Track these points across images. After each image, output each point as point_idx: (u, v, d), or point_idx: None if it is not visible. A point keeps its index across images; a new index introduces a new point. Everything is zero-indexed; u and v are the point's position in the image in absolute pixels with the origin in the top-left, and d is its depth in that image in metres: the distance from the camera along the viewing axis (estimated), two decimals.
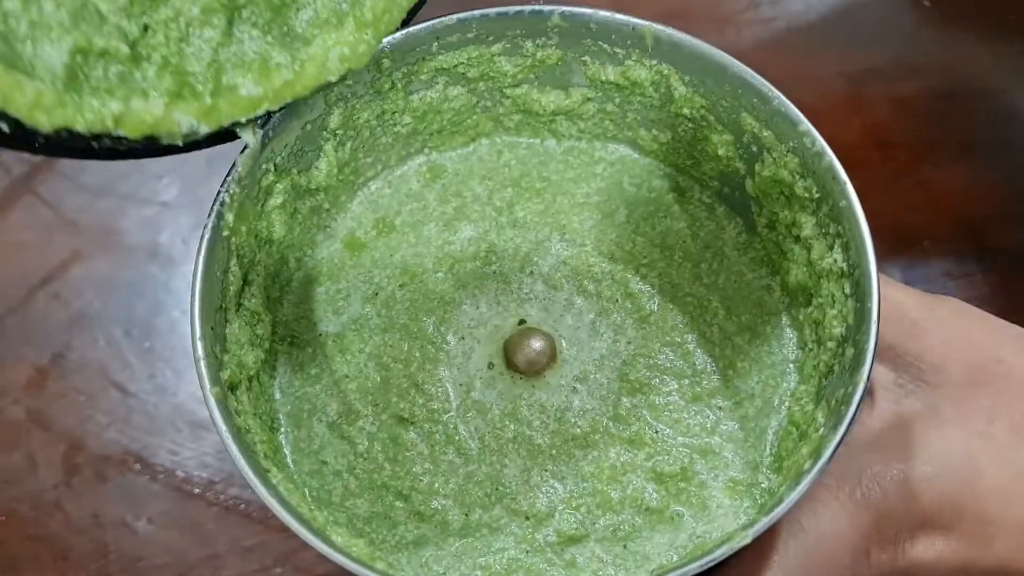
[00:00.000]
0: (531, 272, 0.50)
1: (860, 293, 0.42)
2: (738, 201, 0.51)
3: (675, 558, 0.44)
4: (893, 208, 0.65)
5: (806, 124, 0.44)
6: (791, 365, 0.48)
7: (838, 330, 0.43)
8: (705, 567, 0.36)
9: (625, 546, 0.44)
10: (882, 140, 0.67)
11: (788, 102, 0.44)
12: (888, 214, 0.64)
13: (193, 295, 0.41)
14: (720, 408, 0.47)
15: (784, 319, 0.49)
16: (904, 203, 0.65)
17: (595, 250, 0.50)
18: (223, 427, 0.39)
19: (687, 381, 0.47)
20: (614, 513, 0.45)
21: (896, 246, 0.64)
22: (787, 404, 0.47)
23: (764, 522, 0.36)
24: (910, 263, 0.63)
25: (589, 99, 0.51)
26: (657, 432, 0.46)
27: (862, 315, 0.41)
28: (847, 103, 0.68)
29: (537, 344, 0.47)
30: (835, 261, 0.44)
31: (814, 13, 0.72)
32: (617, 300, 0.49)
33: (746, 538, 0.36)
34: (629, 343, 0.48)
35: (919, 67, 0.69)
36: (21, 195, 0.65)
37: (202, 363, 0.40)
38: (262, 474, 0.39)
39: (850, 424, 0.38)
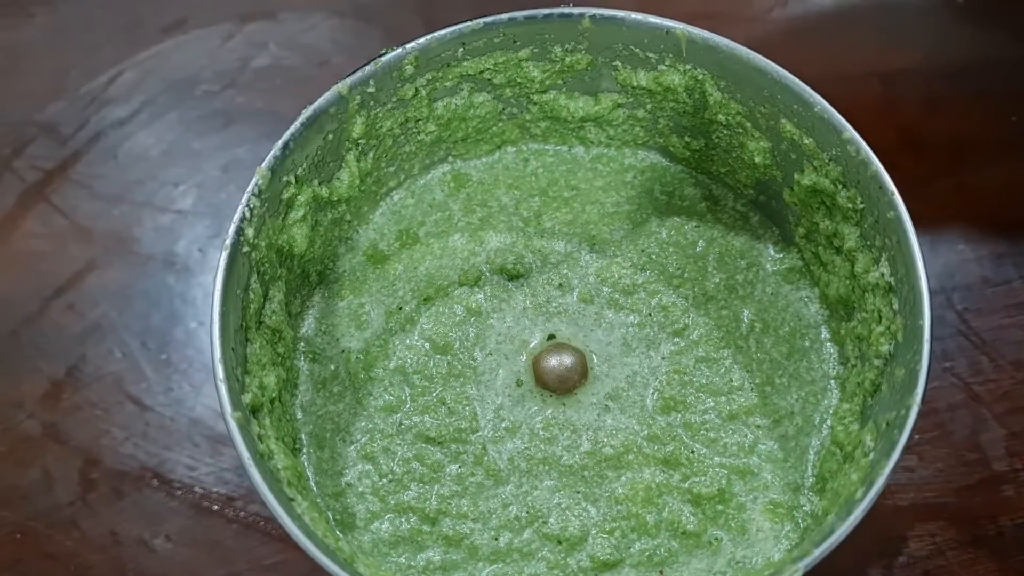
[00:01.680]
0: (560, 285, 0.48)
1: (909, 310, 0.40)
2: (774, 210, 0.49)
3: None
4: (928, 211, 0.63)
5: (850, 131, 0.42)
6: (832, 381, 0.46)
7: (885, 347, 0.41)
8: None
9: (661, 572, 0.43)
10: (916, 141, 0.65)
11: (831, 108, 0.42)
12: (923, 217, 0.62)
13: (212, 315, 0.39)
14: (758, 426, 0.45)
15: (824, 332, 0.47)
16: (939, 206, 0.63)
17: (626, 261, 0.49)
18: (246, 455, 0.37)
19: (723, 398, 0.46)
20: (649, 537, 0.43)
21: (931, 251, 0.62)
22: (829, 422, 0.45)
23: (816, 554, 0.35)
24: (946, 269, 0.61)
25: (619, 105, 0.49)
26: (693, 452, 0.45)
27: (913, 333, 0.39)
28: (880, 104, 0.66)
29: (568, 360, 0.46)
30: (882, 275, 0.42)
31: (844, 12, 0.69)
32: (650, 314, 0.47)
33: (797, 572, 0.35)
34: (663, 359, 0.47)
35: (953, 67, 0.67)
36: (35, 203, 0.64)
37: (223, 386, 0.38)
38: (286, 503, 0.37)
39: (903, 450, 0.36)
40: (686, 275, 0.48)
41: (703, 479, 0.44)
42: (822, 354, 0.47)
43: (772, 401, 0.46)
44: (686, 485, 0.44)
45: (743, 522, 0.43)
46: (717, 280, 0.48)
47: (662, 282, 0.48)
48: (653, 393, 0.46)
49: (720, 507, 0.43)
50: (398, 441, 0.45)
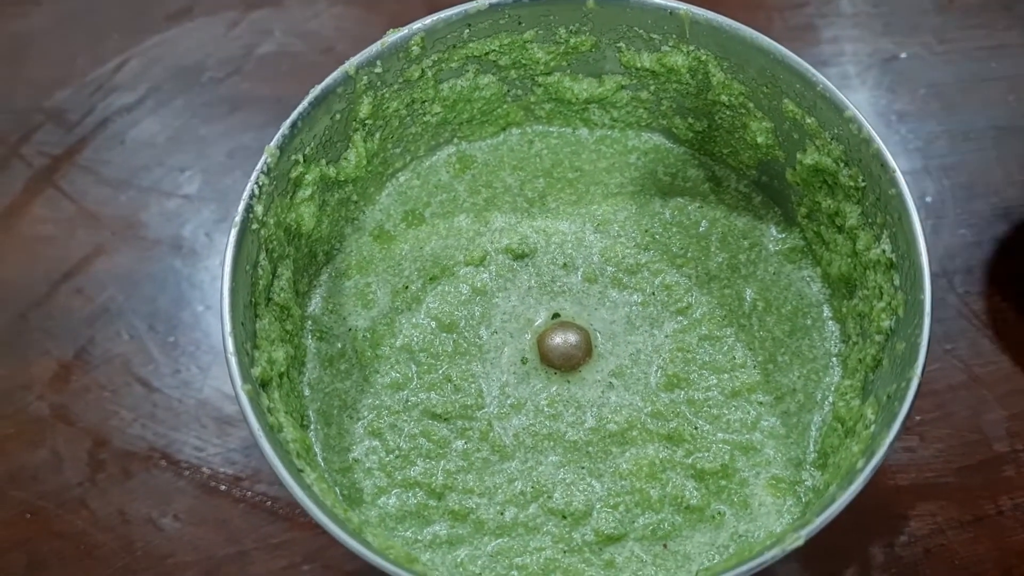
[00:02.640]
0: (564, 264, 0.49)
1: (910, 285, 0.40)
2: (776, 190, 0.50)
3: (716, 558, 0.43)
4: (928, 196, 0.64)
5: (852, 110, 0.42)
6: (834, 359, 0.47)
7: (887, 323, 0.42)
8: (756, 570, 0.35)
9: (665, 545, 0.43)
10: (917, 125, 0.66)
11: (833, 87, 0.43)
12: (923, 202, 0.63)
13: (223, 290, 0.40)
14: (761, 403, 0.46)
15: (826, 311, 0.48)
16: (940, 190, 0.64)
17: (629, 241, 0.49)
18: (256, 426, 0.38)
19: (726, 376, 0.46)
20: (653, 512, 0.44)
21: (933, 235, 0.62)
22: (831, 399, 0.45)
23: (817, 523, 0.35)
24: (948, 252, 0.61)
25: (623, 87, 0.50)
26: (696, 428, 0.45)
27: (913, 308, 0.40)
28: (882, 91, 0.67)
29: (572, 338, 0.46)
30: (883, 252, 0.43)
31: None
32: (653, 293, 0.48)
33: (799, 540, 0.35)
34: (666, 337, 0.47)
35: (952, 52, 0.68)
36: (43, 189, 0.64)
37: (233, 359, 0.39)
38: (296, 474, 0.38)
39: (904, 421, 0.37)
40: (689, 255, 0.49)
41: (706, 455, 0.44)
42: (824, 332, 0.47)
43: (774, 378, 0.46)
44: (689, 461, 0.44)
45: (745, 497, 0.44)
46: (720, 260, 0.49)
47: (665, 261, 0.48)
48: (656, 370, 0.46)
49: (723, 482, 0.44)
50: (405, 418, 0.45)
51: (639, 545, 0.43)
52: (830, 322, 0.47)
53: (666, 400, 0.46)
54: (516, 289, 0.48)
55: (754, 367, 0.46)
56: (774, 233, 0.50)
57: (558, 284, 0.48)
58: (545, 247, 0.49)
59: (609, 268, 0.48)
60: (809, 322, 0.48)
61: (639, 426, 0.45)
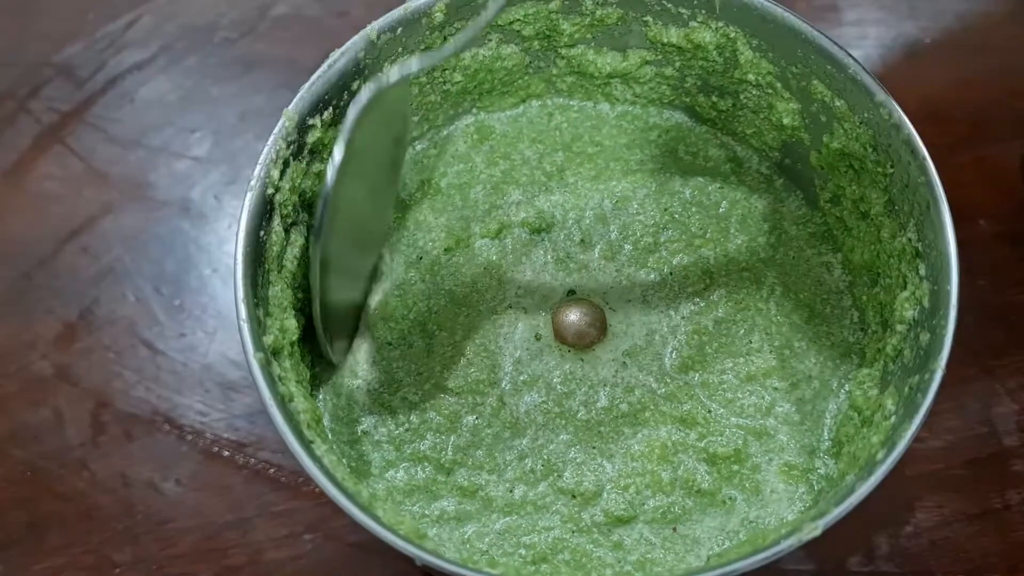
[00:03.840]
0: (581, 240, 0.48)
1: (937, 276, 0.40)
2: (799, 173, 0.49)
3: (726, 544, 0.42)
4: (947, 185, 0.63)
5: (883, 94, 0.41)
6: (853, 347, 0.46)
7: (910, 313, 0.41)
8: (772, 559, 0.34)
9: (675, 529, 0.43)
10: (939, 114, 0.64)
11: (865, 71, 0.42)
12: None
13: (236, 256, 0.39)
14: (775, 389, 0.45)
15: (846, 299, 0.47)
16: (960, 180, 0.63)
17: (648, 220, 0.48)
18: (267, 395, 0.37)
19: (742, 360, 0.46)
20: (664, 494, 0.43)
21: None
22: (847, 387, 0.45)
23: (836, 513, 0.35)
24: (965, 244, 0.60)
25: (648, 62, 0.49)
26: (710, 412, 0.45)
27: (939, 298, 0.39)
28: (904, 74, 0.66)
29: (587, 316, 0.46)
30: (908, 241, 0.42)
31: None
32: (671, 273, 0.47)
33: (816, 530, 0.35)
34: (682, 318, 0.46)
35: (979, 40, 0.67)
36: (50, 145, 0.63)
37: (245, 326, 0.38)
38: (306, 445, 0.37)
39: (927, 413, 0.36)
40: (708, 235, 0.48)
41: (719, 439, 0.44)
42: (843, 320, 0.47)
43: (790, 364, 0.45)
44: (702, 444, 0.44)
45: (757, 483, 0.43)
46: (739, 242, 0.48)
47: (683, 241, 0.48)
48: (671, 352, 0.46)
49: (735, 467, 0.43)
50: (416, 391, 0.45)
51: (648, 528, 0.43)
52: (850, 309, 0.47)
53: (680, 382, 0.45)
54: (531, 264, 0.48)
55: (770, 352, 0.46)
56: (795, 217, 0.49)
57: (574, 261, 0.48)
58: (562, 222, 0.48)
59: (627, 246, 0.48)
60: (828, 309, 0.47)
61: (652, 407, 0.44)
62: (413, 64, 0.38)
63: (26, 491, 0.55)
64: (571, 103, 0.51)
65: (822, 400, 0.45)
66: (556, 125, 0.51)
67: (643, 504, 0.43)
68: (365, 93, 0.37)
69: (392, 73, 0.37)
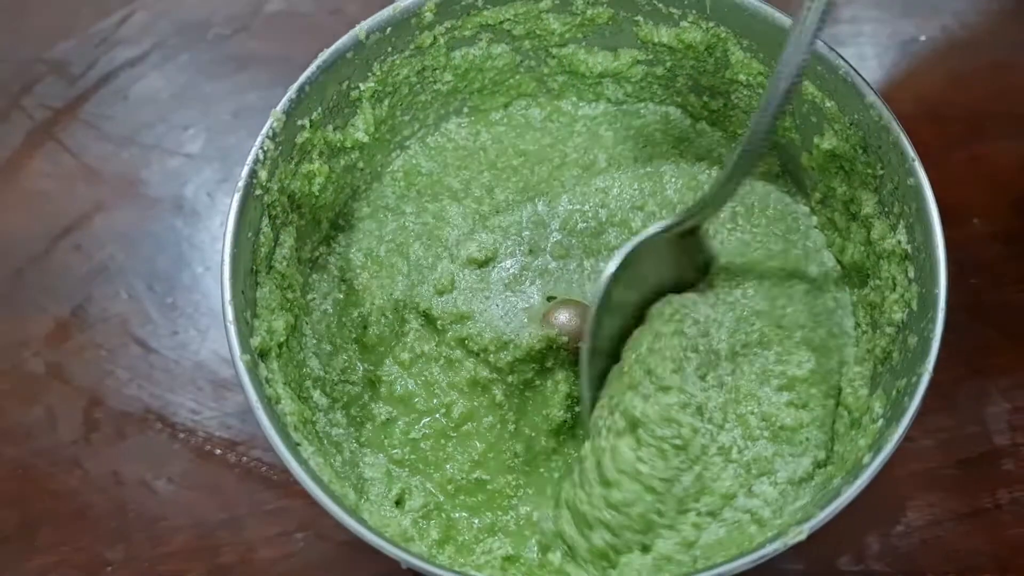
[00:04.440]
0: (530, 251, 0.48)
1: (925, 278, 0.40)
2: (790, 174, 0.49)
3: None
4: (942, 183, 0.63)
5: (873, 96, 0.41)
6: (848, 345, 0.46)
7: (899, 315, 0.41)
8: (758, 563, 0.34)
9: None
10: (934, 112, 0.64)
11: (856, 72, 0.42)
12: (936, 190, 0.62)
13: (224, 256, 0.39)
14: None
15: (834, 300, 0.47)
16: (954, 178, 0.63)
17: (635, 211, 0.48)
18: (253, 397, 0.37)
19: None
20: None
21: (944, 224, 0.61)
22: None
23: (821, 517, 0.35)
24: (959, 242, 0.60)
25: (639, 62, 0.49)
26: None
27: (927, 302, 0.39)
28: (900, 72, 0.65)
29: (575, 317, 0.45)
30: (898, 242, 0.42)
31: None
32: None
33: (801, 534, 0.35)
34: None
35: (975, 38, 0.66)
36: (43, 142, 0.63)
37: (232, 328, 0.38)
38: (292, 447, 0.37)
39: (913, 417, 0.36)
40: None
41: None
42: (832, 320, 0.46)
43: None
44: None
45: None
46: (728, 244, 0.48)
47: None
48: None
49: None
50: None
51: None
52: (839, 311, 0.47)
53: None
54: (514, 258, 0.47)
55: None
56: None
57: (530, 270, 0.47)
58: (504, 242, 0.48)
59: (572, 240, 0.48)
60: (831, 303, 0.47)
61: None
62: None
63: (18, 489, 0.55)
64: (560, 103, 0.51)
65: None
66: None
67: None
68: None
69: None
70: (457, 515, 0.43)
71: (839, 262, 0.47)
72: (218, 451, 0.55)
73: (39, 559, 0.53)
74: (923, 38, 0.66)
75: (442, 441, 0.44)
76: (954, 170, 0.63)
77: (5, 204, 0.62)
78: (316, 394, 0.44)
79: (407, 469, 0.44)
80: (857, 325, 0.45)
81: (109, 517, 0.54)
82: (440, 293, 0.46)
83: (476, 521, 0.42)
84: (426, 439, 0.44)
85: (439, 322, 0.45)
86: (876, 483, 0.54)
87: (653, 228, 0.41)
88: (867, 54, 0.66)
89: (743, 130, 0.49)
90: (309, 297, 0.47)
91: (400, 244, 0.48)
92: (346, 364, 0.45)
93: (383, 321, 0.45)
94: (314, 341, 0.46)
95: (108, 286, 0.59)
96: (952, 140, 0.64)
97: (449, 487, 0.43)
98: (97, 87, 0.65)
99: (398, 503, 0.42)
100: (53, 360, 0.58)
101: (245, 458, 0.55)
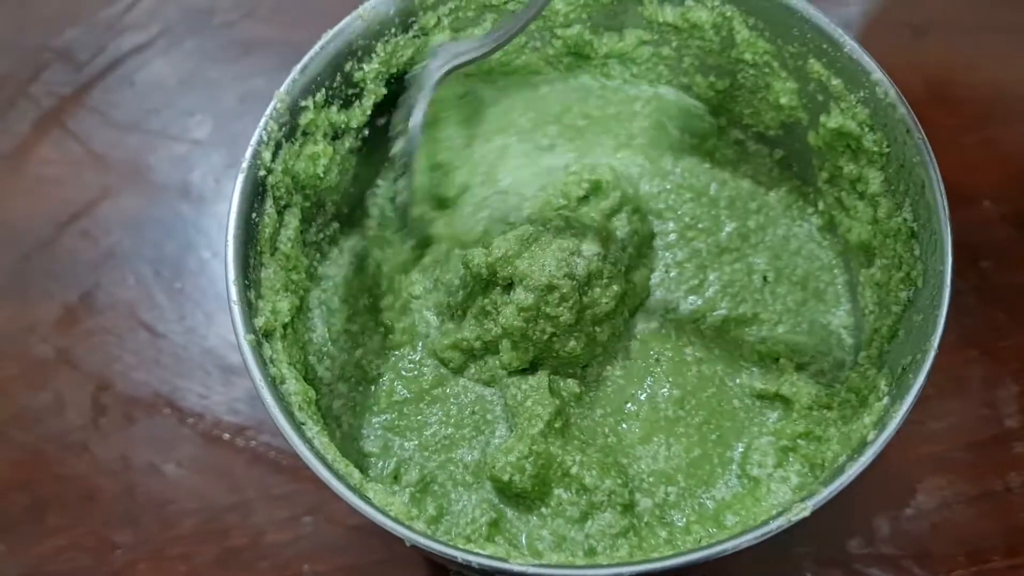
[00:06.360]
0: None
1: (930, 256, 0.39)
2: (797, 153, 0.48)
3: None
4: (953, 166, 0.62)
5: (879, 73, 0.41)
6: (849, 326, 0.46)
7: (905, 294, 0.41)
8: (762, 539, 0.34)
9: None
10: (946, 95, 0.64)
11: (861, 49, 0.41)
12: (947, 172, 0.61)
13: (228, 238, 0.39)
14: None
15: (841, 279, 0.47)
16: (965, 161, 0.62)
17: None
18: (258, 377, 0.37)
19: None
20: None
21: (955, 206, 0.61)
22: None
23: (825, 494, 0.35)
24: (969, 225, 0.60)
25: (644, 42, 0.49)
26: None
27: (933, 279, 0.38)
28: (911, 54, 0.65)
29: None
30: (904, 220, 0.41)
31: None
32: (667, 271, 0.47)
33: (805, 511, 0.34)
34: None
35: (987, 20, 0.66)
36: (50, 129, 0.63)
37: (236, 308, 0.38)
38: (297, 427, 0.37)
39: (918, 393, 0.36)
40: (698, 216, 0.48)
41: None
42: (839, 300, 0.46)
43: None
44: None
45: None
46: (730, 226, 0.48)
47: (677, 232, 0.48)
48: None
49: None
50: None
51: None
52: (845, 289, 0.46)
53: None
54: None
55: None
56: (790, 198, 0.49)
57: None
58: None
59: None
60: (824, 289, 0.47)
61: None
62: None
63: (27, 473, 0.55)
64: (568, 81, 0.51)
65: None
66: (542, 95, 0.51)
67: None
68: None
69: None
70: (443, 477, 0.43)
71: (844, 243, 0.47)
72: (226, 436, 0.56)
73: (48, 542, 0.53)
74: (935, 20, 0.66)
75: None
76: (965, 153, 0.62)
77: (13, 191, 0.62)
78: (320, 369, 0.44)
79: (400, 437, 0.44)
80: (864, 306, 0.45)
81: (118, 501, 0.54)
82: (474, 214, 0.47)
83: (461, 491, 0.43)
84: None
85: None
86: (886, 466, 0.54)
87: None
88: (876, 36, 0.65)
89: (750, 111, 0.49)
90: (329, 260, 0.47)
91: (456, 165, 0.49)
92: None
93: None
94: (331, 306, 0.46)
95: (116, 272, 0.60)
96: (963, 123, 0.63)
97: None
98: (104, 74, 0.65)
99: (395, 478, 0.42)
100: (61, 345, 0.58)
101: (254, 443, 0.55)
